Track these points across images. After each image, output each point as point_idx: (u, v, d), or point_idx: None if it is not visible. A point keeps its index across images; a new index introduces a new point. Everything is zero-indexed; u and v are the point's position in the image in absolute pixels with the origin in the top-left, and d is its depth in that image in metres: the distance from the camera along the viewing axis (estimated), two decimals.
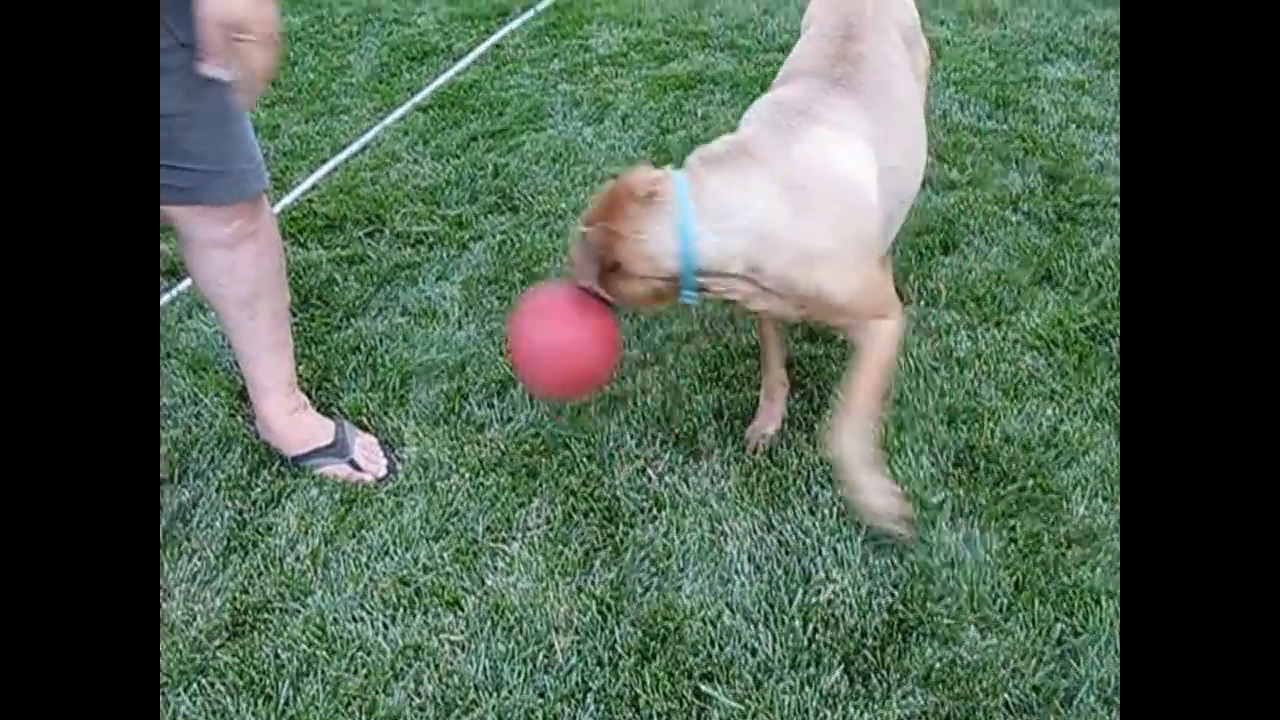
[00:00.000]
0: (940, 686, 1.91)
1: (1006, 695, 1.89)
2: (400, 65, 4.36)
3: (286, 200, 3.46)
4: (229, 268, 2.19)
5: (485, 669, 1.97)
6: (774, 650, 1.97)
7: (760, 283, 1.95)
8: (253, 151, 2.12)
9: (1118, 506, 2.25)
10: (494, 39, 4.47)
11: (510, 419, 2.55)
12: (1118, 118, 3.82)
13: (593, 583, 2.14)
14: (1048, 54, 4.32)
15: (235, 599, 2.15)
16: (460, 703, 1.91)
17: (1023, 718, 1.86)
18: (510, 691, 1.92)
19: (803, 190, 1.92)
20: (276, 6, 1.73)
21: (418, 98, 4.04)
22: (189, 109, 1.93)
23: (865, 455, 2.09)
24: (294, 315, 2.90)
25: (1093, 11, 4.68)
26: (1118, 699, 1.86)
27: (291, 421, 2.44)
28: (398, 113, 3.94)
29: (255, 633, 2.08)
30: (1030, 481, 2.32)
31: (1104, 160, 3.57)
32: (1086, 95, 3.99)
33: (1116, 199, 3.33)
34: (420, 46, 4.49)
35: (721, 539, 2.22)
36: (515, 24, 4.63)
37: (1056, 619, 2.02)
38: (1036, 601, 2.05)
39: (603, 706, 1.89)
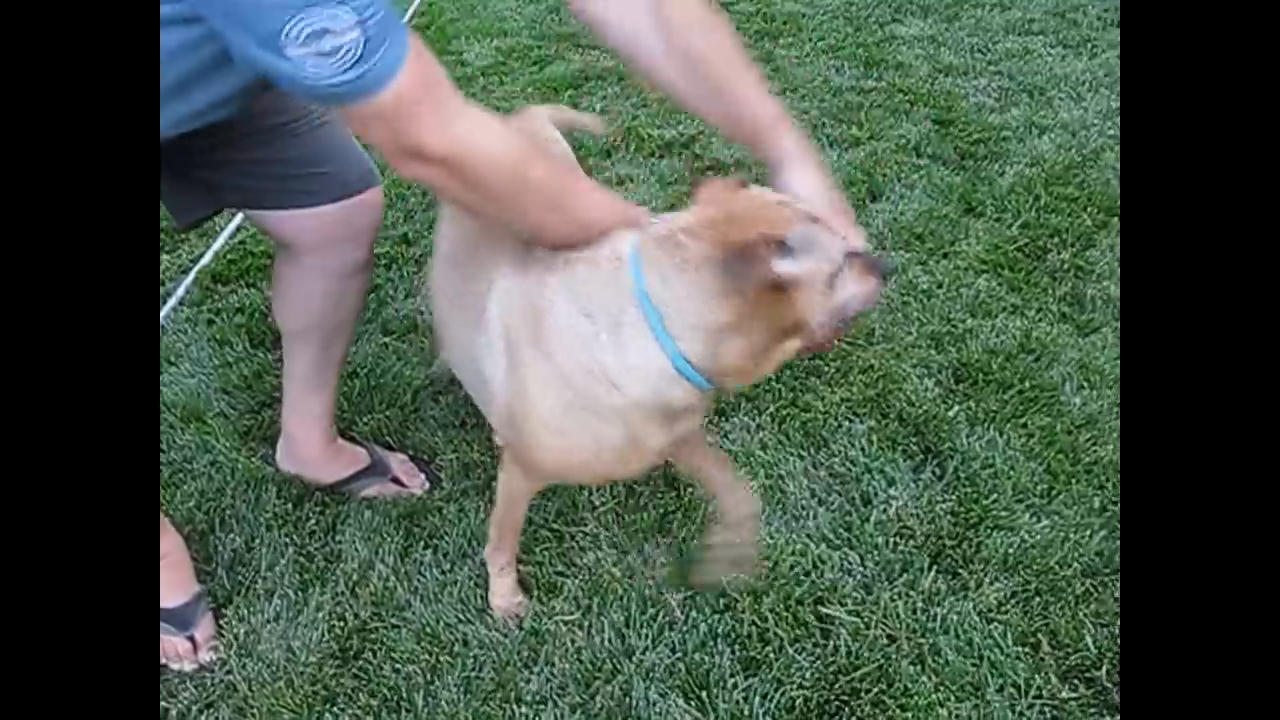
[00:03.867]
0: (1020, 568, 2.11)
1: (1077, 564, 2.11)
2: None
3: (217, 244, 3.42)
4: (339, 295, 2.21)
5: (610, 639, 2.06)
6: (868, 567, 2.14)
7: None
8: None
9: (1106, 391, 2.51)
10: None
11: None
12: (976, 64, 4.15)
13: (677, 542, 2.25)
14: (895, 15, 4.62)
15: (333, 627, 2.17)
16: (600, 673, 2.00)
17: (1098, 579, 2.09)
18: (644, 654, 2.02)
19: None
20: None
21: None
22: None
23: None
24: (274, 352, 2.92)
25: None
26: None
27: (333, 449, 2.47)
28: None
29: (368, 654, 2.10)
30: (1025, 384, 2.56)
31: (979, 101, 3.88)
32: (943, 47, 4.31)
33: (1004, 133, 3.64)
34: None
35: (780, 482, 2.37)
36: None
37: (1093, 493, 2.26)
38: (1071, 482, 2.29)
39: (737, 646, 2.01)
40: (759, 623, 2.05)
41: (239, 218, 3.54)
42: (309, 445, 2.45)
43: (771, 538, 2.23)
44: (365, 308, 3.03)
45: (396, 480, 2.47)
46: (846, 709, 1.89)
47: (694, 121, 3.83)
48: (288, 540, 2.37)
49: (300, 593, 2.25)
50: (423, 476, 2.50)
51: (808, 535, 2.23)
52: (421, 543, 2.33)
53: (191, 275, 3.24)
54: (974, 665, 1.94)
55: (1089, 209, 3.25)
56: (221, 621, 2.16)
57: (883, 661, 1.96)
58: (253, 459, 2.60)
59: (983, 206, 3.24)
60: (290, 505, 2.45)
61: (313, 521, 2.41)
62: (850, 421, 2.50)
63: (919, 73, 4.10)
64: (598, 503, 2.37)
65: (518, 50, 4.47)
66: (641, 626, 2.08)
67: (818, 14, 4.65)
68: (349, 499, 2.45)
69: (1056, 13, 4.53)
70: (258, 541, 2.38)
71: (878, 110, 3.85)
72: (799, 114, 3.85)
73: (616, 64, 4.29)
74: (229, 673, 2.06)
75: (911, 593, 2.08)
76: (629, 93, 4.06)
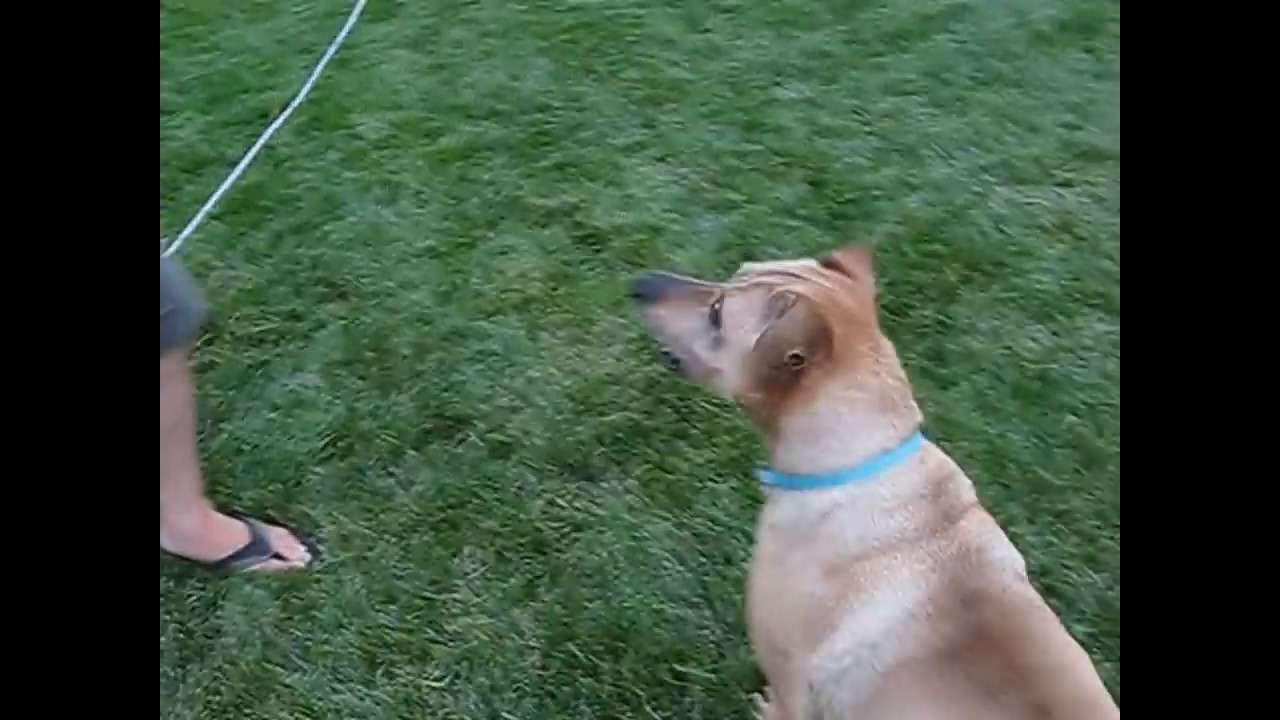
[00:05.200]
0: None
1: None
2: (177, 178, 4.37)
3: None
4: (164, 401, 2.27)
5: (477, 703, 2.15)
6: (725, 625, 2.25)
7: None
8: (176, 293, 2.20)
9: (963, 443, 2.64)
10: (263, 140, 4.55)
11: (413, 483, 2.71)
12: (852, 125, 4.32)
13: (544, 606, 2.35)
14: (776, 78, 4.79)
15: (209, 702, 2.23)
16: None
17: None
18: (510, 718, 2.11)
19: None
20: None
21: (208, 206, 4.09)
22: None
23: None
24: None
25: (802, 36, 5.21)
26: None
27: (209, 528, 2.53)
28: (194, 223, 3.99)
29: None
30: None
31: (852, 162, 4.04)
32: (821, 109, 4.48)
33: (875, 193, 3.81)
34: (191, 158, 4.51)
35: (643, 543, 2.48)
36: (278, 123, 4.72)
37: None
38: None
39: (597, 708, 2.11)
40: (619, 683, 2.14)
41: None
42: (186, 530, 2.51)
43: (631, 600, 2.33)
44: (252, 384, 3.11)
45: (278, 555, 2.54)
46: None
47: (578, 190, 3.96)
48: (168, 617, 2.42)
49: (179, 669, 2.31)
50: (303, 549, 2.57)
51: (668, 595, 2.33)
52: (299, 614, 2.40)
53: None
54: None
55: (954, 265, 3.41)
56: None
57: (737, 718, 2.07)
58: None
59: None
60: (173, 583, 2.51)
61: (194, 598, 2.47)
62: (714, 482, 2.61)
63: (797, 135, 4.26)
64: (469, 569, 2.46)
65: (410, 123, 4.57)
66: (509, 690, 2.17)
67: (701, 79, 4.80)
68: (232, 574, 2.51)
69: (930, 73, 4.72)
70: None
71: (755, 173, 3.99)
72: (679, 180, 3.99)
73: (505, 134, 4.41)
74: None
75: None
76: (515, 163, 4.17)
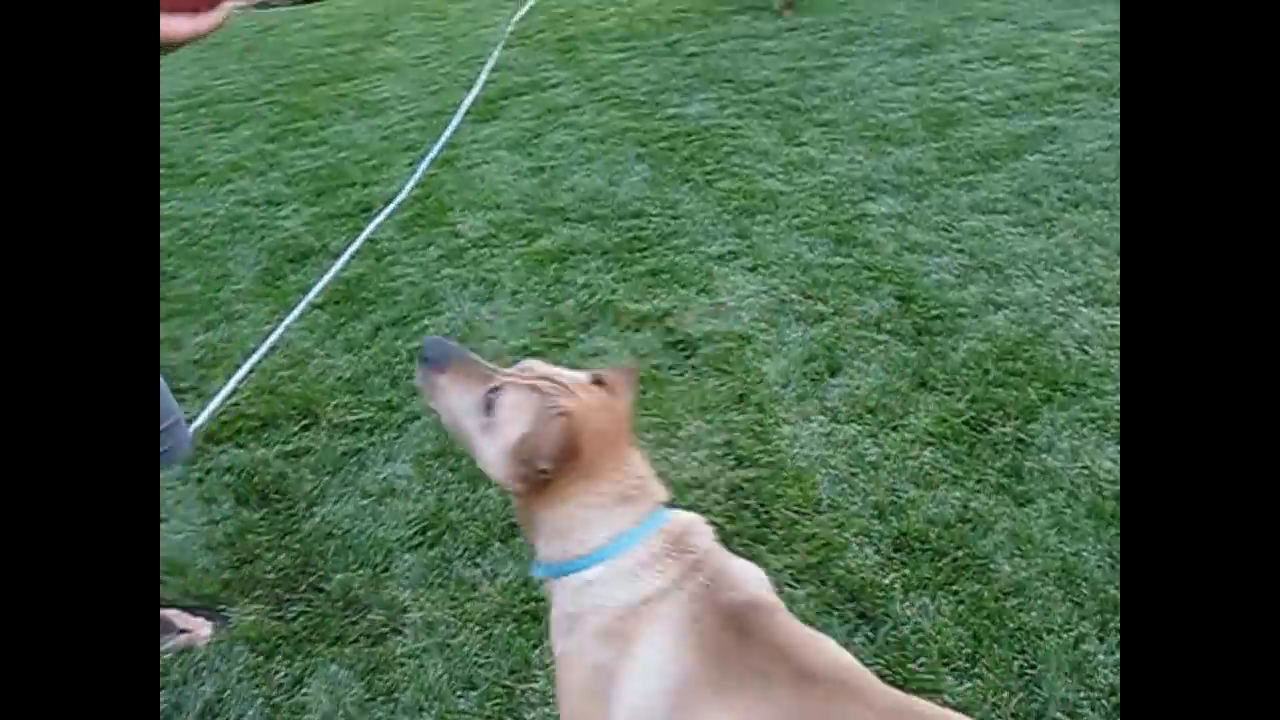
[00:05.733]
0: None
1: None
2: (283, 267, 4.59)
3: (212, 405, 3.63)
4: None
5: None
6: None
7: None
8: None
9: (1036, 560, 2.66)
10: (366, 233, 4.77)
11: (498, 574, 2.79)
12: (941, 241, 4.39)
13: None
14: (868, 193, 4.89)
15: None
16: None
17: None
18: None
19: None
20: None
21: (310, 296, 4.28)
22: None
23: None
24: (257, 511, 3.10)
25: (895, 152, 5.33)
26: (1080, 710, 2.23)
27: None
28: (295, 312, 4.18)
29: None
30: (960, 552, 2.71)
31: (940, 279, 4.10)
32: (910, 224, 4.56)
33: (961, 310, 3.85)
34: (296, 248, 4.74)
35: None
36: (381, 217, 4.94)
37: (1014, 657, 2.39)
38: (995, 646, 2.42)
39: None
40: None
41: (234, 380, 3.76)
42: None
43: None
44: (346, 470, 3.23)
45: (182, 630, 2.68)
46: None
47: (670, 296, 4.07)
48: (256, 692, 2.51)
49: None
50: (206, 622, 2.71)
51: None
52: (382, 696, 2.47)
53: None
54: None
55: (1035, 383, 3.43)
56: None
57: None
58: (231, 613, 2.75)
59: (934, 381, 3.43)
60: (261, 658, 2.60)
61: (281, 674, 2.55)
62: (792, 587, 2.64)
63: (886, 250, 4.34)
64: (549, 660, 2.51)
65: (509, 223, 4.75)
66: None
67: (796, 192, 4.92)
68: (321, 652, 2.59)
69: (1020, 193, 4.78)
70: (228, 693, 2.52)
71: (844, 286, 4.07)
72: (769, 290, 4.09)
73: (600, 237, 4.56)
74: None
75: None
76: (610, 266, 4.31)
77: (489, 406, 1.66)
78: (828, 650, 1.58)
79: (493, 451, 1.67)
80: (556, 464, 1.59)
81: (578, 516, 1.65)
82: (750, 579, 1.69)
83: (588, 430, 1.62)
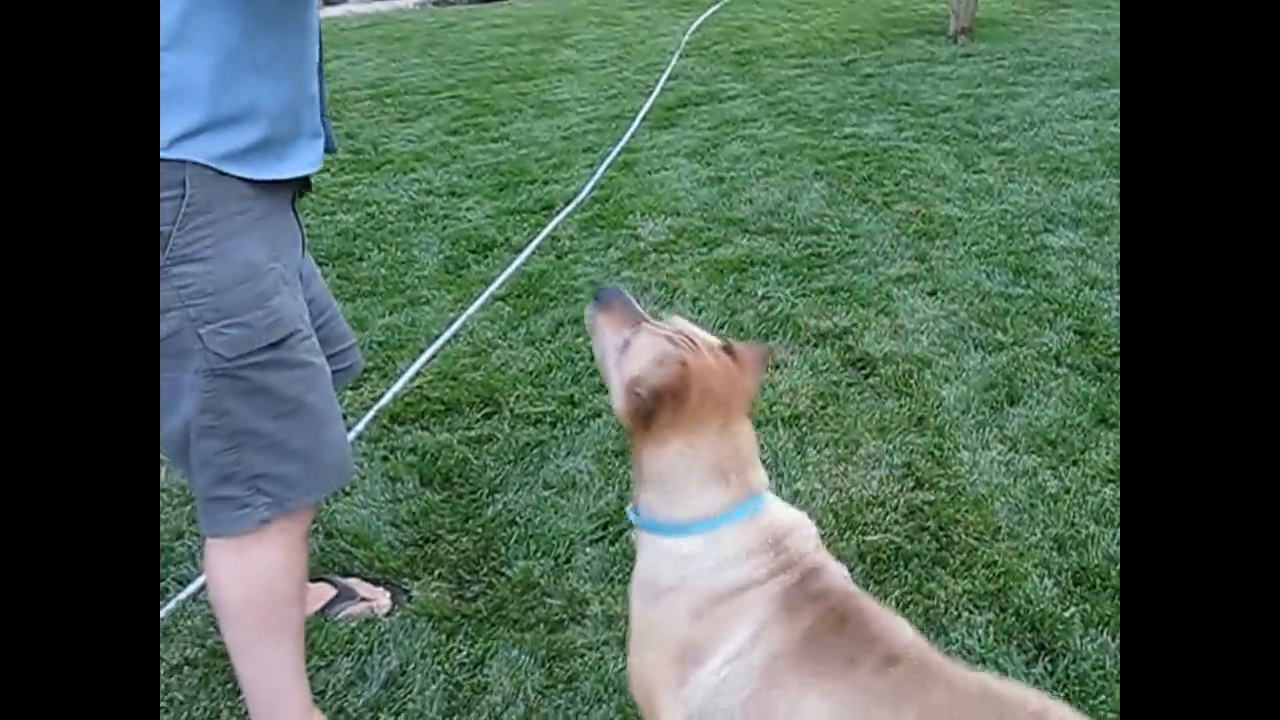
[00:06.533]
0: None
1: None
2: (465, 257, 4.73)
3: (396, 386, 3.77)
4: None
5: None
6: None
7: None
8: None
9: None
10: (547, 230, 4.89)
11: None
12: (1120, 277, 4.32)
13: None
14: (1048, 225, 4.84)
15: None
16: None
17: None
18: None
19: None
20: None
21: (493, 287, 4.41)
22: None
23: None
24: (440, 493, 3.21)
25: (1074, 185, 5.26)
26: None
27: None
28: (479, 301, 4.31)
29: None
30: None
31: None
32: (1091, 259, 4.50)
33: None
34: (478, 239, 4.88)
35: None
36: (562, 216, 5.07)
37: None
38: None
39: None
40: None
41: (418, 363, 3.90)
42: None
43: None
44: (528, 460, 3.33)
45: (364, 599, 2.79)
46: None
47: (850, 313, 4.09)
48: (439, 669, 2.60)
49: (446, 718, 2.48)
50: (385, 593, 2.82)
51: None
52: (562, 684, 2.54)
53: (371, 413, 3.58)
54: None
55: None
56: None
57: None
58: (413, 589, 2.87)
59: (1115, 418, 3.39)
60: (443, 636, 2.70)
61: (462, 653, 2.65)
62: (970, 613, 2.65)
63: (1066, 283, 4.29)
64: None
65: (689, 230, 4.82)
66: None
67: (974, 219, 4.89)
68: (502, 634, 2.67)
69: None
70: (412, 666, 2.62)
71: (1023, 317, 4.04)
72: (948, 315, 4.08)
73: (778, 251, 4.59)
74: None
75: None
76: (789, 280, 4.35)
77: (626, 345, 1.79)
78: (909, 634, 1.66)
79: (616, 382, 1.79)
80: (659, 400, 1.68)
81: (676, 467, 1.73)
82: (837, 573, 1.76)
83: (699, 385, 1.70)
